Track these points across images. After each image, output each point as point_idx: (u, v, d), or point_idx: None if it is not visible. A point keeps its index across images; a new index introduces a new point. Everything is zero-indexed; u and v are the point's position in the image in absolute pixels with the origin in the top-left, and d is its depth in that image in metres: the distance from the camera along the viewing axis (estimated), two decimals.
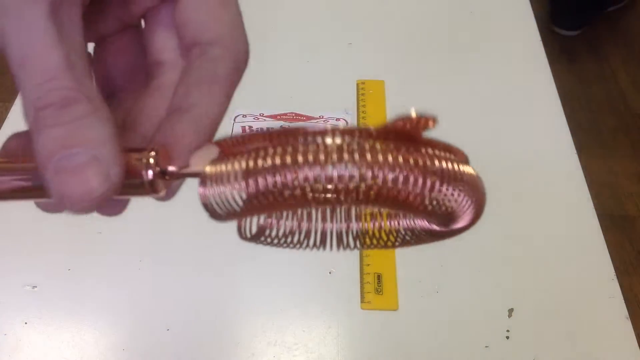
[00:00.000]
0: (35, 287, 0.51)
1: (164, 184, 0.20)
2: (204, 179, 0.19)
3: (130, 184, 0.19)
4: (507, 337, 0.49)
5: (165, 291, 0.51)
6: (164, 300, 0.50)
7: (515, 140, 0.63)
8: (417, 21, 0.76)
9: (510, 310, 0.50)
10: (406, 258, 0.53)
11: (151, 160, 0.19)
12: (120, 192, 0.19)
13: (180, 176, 0.20)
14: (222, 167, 0.18)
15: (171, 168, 0.20)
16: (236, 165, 0.18)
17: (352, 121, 0.63)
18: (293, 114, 0.61)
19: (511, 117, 0.66)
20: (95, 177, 0.17)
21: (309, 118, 0.61)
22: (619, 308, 0.51)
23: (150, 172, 0.19)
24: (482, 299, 0.51)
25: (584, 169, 0.60)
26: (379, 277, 0.51)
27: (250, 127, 0.58)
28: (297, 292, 0.51)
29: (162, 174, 0.19)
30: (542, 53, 0.72)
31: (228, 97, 0.21)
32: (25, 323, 0.49)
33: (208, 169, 0.19)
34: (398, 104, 0.65)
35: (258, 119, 0.59)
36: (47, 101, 0.17)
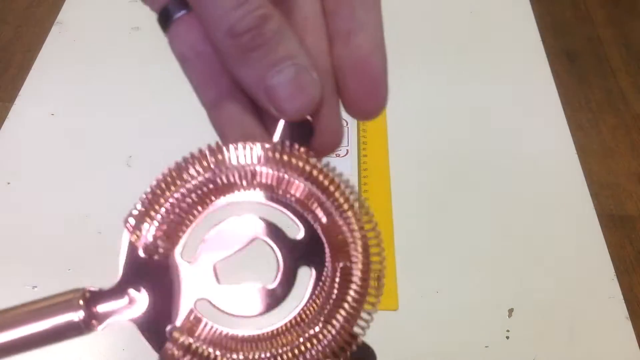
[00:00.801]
0: (35, 287, 0.51)
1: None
2: None
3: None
4: (507, 337, 0.49)
5: None
6: None
7: (515, 140, 0.63)
8: (417, 21, 0.76)
9: (510, 310, 0.50)
10: (406, 258, 0.53)
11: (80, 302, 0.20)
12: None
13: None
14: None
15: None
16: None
17: (351, 122, 0.63)
18: None
19: (511, 117, 0.66)
20: (309, 84, 0.18)
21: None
22: (619, 308, 0.51)
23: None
24: (482, 299, 0.51)
25: (584, 169, 0.60)
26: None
27: None
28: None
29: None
30: (542, 53, 0.72)
31: (381, 16, 0.21)
32: None
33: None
34: (397, 104, 0.65)
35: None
36: (246, 25, 0.18)
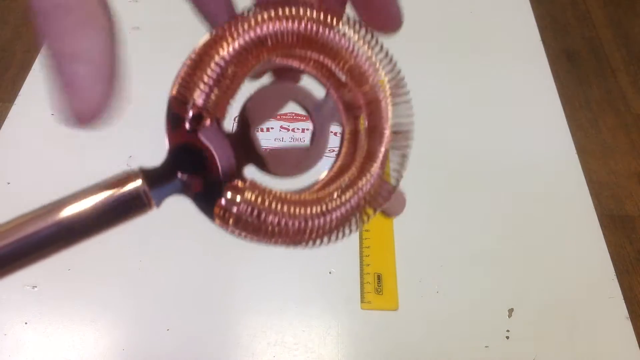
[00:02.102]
0: (35, 287, 0.51)
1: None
2: None
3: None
4: (507, 337, 0.49)
5: (165, 291, 0.51)
6: (164, 300, 0.50)
7: (515, 140, 0.63)
8: (417, 21, 0.76)
9: (510, 310, 0.50)
10: (406, 258, 0.53)
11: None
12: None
13: None
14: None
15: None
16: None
17: None
18: (293, 114, 0.61)
19: (511, 117, 0.66)
20: (92, 87, 0.17)
21: (308, 118, 0.61)
22: (619, 308, 0.51)
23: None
24: (482, 299, 0.51)
25: (584, 169, 0.60)
26: (379, 277, 0.51)
27: None
28: (297, 292, 0.51)
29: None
30: (542, 53, 0.72)
31: None
32: (25, 323, 0.49)
33: None
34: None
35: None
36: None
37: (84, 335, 0.48)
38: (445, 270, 0.53)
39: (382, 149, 0.23)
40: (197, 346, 0.48)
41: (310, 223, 0.21)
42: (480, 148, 0.62)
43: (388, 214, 0.23)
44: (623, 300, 0.51)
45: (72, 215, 0.20)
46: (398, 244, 0.54)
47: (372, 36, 0.22)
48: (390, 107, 0.23)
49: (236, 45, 0.20)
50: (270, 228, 0.21)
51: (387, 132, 0.22)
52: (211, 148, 0.21)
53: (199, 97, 0.20)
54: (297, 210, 0.21)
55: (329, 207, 0.21)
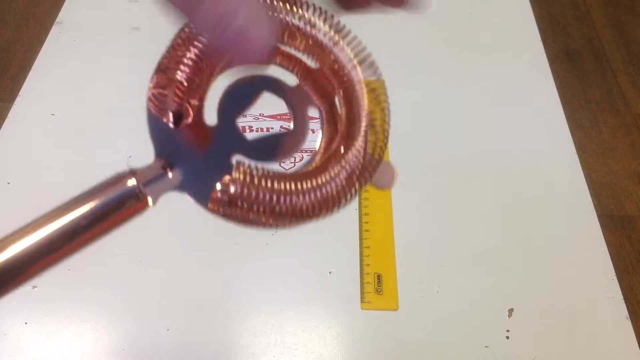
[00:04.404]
0: (35, 287, 0.51)
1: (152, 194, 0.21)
2: None
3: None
4: (507, 337, 0.49)
5: (165, 291, 0.51)
6: (164, 300, 0.50)
7: (515, 140, 0.63)
8: (417, 21, 0.76)
9: (510, 310, 0.50)
10: (406, 258, 0.53)
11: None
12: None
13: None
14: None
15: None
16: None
17: None
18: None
19: (511, 117, 0.66)
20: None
21: (309, 118, 0.61)
22: (619, 308, 0.51)
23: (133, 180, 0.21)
24: (482, 299, 0.51)
25: (584, 169, 0.60)
26: (379, 277, 0.51)
27: (250, 127, 0.58)
28: (297, 292, 0.51)
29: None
30: (542, 53, 0.72)
31: None
32: (25, 323, 0.49)
33: None
34: (397, 104, 0.65)
35: (258, 119, 0.59)
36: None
37: (84, 335, 0.48)
38: (445, 270, 0.53)
39: (362, 125, 0.23)
40: (197, 346, 0.48)
41: (301, 198, 0.21)
42: (480, 148, 0.62)
43: (379, 187, 0.24)
44: (623, 300, 0.51)
45: (73, 220, 0.20)
46: (398, 244, 0.54)
47: (332, 17, 0.23)
48: (363, 86, 0.23)
49: (202, 42, 0.21)
50: (263, 206, 0.21)
51: (363, 110, 0.23)
52: (195, 141, 0.21)
53: (175, 97, 0.21)
54: (288, 185, 0.21)
55: (319, 182, 0.22)
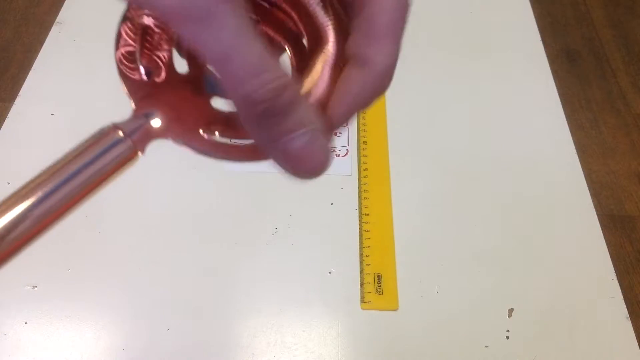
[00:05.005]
0: (35, 287, 0.51)
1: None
2: None
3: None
4: (507, 337, 0.49)
5: (165, 291, 0.51)
6: (164, 300, 0.50)
7: (515, 140, 0.63)
8: (416, 21, 0.76)
9: (510, 310, 0.50)
10: (406, 258, 0.53)
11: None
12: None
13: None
14: None
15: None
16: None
17: (351, 122, 0.63)
18: None
19: (511, 117, 0.66)
20: (320, 150, 0.20)
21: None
22: (619, 308, 0.51)
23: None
24: (482, 299, 0.51)
25: (584, 169, 0.60)
26: (379, 277, 0.51)
27: None
28: (297, 292, 0.51)
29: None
30: (542, 53, 0.72)
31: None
32: (25, 323, 0.49)
33: None
34: (397, 104, 0.65)
35: None
36: (262, 96, 0.18)
37: (84, 335, 0.48)
38: (445, 270, 0.53)
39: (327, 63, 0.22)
40: (197, 346, 0.48)
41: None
42: (480, 148, 0.62)
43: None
44: (623, 300, 0.51)
45: (68, 175, 0.20)
46: (398, 244, 0.54)
47: None
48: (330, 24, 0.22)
49: None
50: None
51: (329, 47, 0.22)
52: (171, 90, 0.22)
53: (144, 50, 0.21)
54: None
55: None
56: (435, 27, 0.75)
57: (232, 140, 0.22)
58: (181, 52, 0.23)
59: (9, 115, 0.63)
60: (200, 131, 0.21)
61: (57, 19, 0.73)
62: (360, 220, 0.55)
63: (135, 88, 0.21)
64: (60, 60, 0.69)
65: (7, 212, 0.19)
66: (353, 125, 0.63)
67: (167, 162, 0.56)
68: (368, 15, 0.21)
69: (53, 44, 0.70)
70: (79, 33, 0.72)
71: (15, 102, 0.64)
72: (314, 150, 0.19)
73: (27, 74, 0.67)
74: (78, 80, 0.67)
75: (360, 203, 0.57)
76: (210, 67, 0.18)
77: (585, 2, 1.75)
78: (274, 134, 0.19)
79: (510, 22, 0.77)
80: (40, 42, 0.70)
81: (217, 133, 0.21)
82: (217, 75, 0.18)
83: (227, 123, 0.21)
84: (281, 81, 0.18)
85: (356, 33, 0.21)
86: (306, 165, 0.20)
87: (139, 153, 0.21)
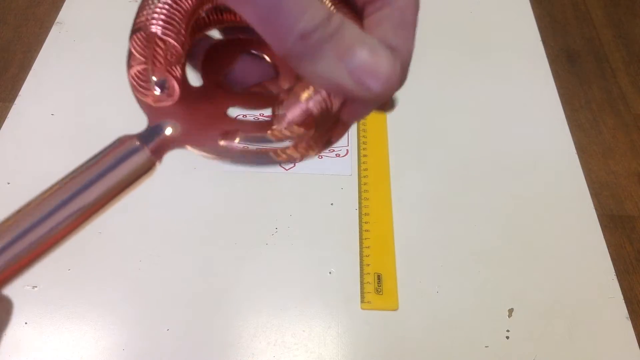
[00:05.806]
0: (35, 287, 0.51)
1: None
2: None
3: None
4: (507, 337, 0.49)
5: (165, 291, 0.51)
6: (164, 300, 0.50)
7: (515, 140, 0.63)
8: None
9: (510, 310, 0.50)
10: (406, 258, 0.53)
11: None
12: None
13: None
14: None
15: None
16: None
17: None
18: None
19: (511, 117, 0.66)
20: (384, 58, 0.20)
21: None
22: (619, 308, 0.51)
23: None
24: (482, 299, 0.51)
25: (584, 169, 0.60)
26: (379, 277, 0.51)
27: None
28: (297, 292, 0.51)
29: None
30: (542, 53, 0.72)
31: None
32: (25, 323, 0.49)
33: None
34: (397, 104, 0.65)
35: (258, 119, 0.59)
36: (314, 25, 0.19)
37: (84, 335, 0.48)
38: (445, 270, 0.53)
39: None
40: (197, 346, 0.48)
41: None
42: (480, 148, 0.62)
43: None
44: (623, 300, 0.51)
45: (84, 185, 0.20)
46: (398, 244, 0.54)
47: None
48: None
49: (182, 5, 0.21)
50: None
51: None
52: (186, 103, 0.22)
53: (157, 64, 0.21)
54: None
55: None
56: (436, 27, 0.75)
57: (248, 147, 0.22)
58: (194, 65, 0.24)
59: (9, 115, 0.63)
60: (218, 139, 0.22)
61: (57, 19, 0.73)
62: (360, 220, 0.55)
63: (149, 106, 0.22)
64: (60, 60, 0.69)
65: (24, 221, 0.19)
66: (353, 125, 0.63)
67: (167, 162, 0.56)
68: (396, 7, 0.22)
69: (53, 44, 0.70)
70: (79, 33, 0.72)
71: (15, 102, 0.64)
72: (378, 60, 0.20)
73: (27, 74, 0.67)
74: (78, 80, 0.67)
75: (360, 203, 0.57)
76: (255, 26, 0.19)
77: (585, 2, 1.75)
78: (335, 56, 0.19)
79: (510, 22, 0.77)
80: (40, 42, 0.70)
81: (236, 140, 0.22)
82: (263, 31, 0.19)
83: (244, 130, 0.22)
84: (325, 10, 0.19)
85: (386, 22, 0.22)
86: (376, 75, 0.20)
87: (157, 163, 0.21)
